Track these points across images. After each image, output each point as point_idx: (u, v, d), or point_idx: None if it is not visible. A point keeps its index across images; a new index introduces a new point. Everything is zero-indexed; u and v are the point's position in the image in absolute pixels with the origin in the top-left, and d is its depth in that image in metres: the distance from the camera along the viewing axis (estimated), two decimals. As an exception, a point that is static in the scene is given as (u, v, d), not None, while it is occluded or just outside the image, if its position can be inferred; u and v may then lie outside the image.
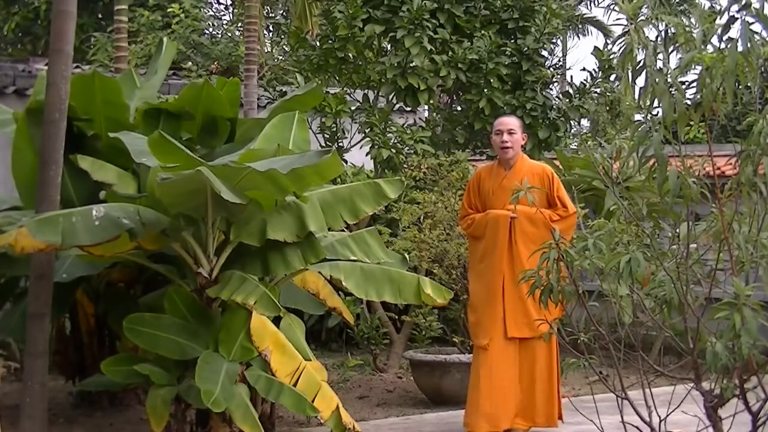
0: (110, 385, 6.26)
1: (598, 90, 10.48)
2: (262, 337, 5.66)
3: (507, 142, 5.82)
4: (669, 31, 3.49)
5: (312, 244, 5.93)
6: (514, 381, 5.74)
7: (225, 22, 17.10)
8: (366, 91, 10.12)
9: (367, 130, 9.45)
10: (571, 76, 19.06)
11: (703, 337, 3.37)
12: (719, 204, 3.44)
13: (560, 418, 5.86)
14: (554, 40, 11.12)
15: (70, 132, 5.97)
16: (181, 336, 5.69)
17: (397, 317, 8.96)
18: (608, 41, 23.89)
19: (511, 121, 5.97)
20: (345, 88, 10.02)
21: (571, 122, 10.78)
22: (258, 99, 10.20)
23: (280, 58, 14.37)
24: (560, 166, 10.12)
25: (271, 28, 16.99)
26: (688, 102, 3.39)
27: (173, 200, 5.55)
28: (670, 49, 3.49)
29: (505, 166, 5.90)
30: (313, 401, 5.60)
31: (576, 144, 13.83)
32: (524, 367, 5.76)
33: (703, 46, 3.35)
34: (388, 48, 10.08)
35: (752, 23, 3.23)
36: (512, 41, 10.00)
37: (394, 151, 9.18)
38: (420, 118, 11.59)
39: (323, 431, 5.93)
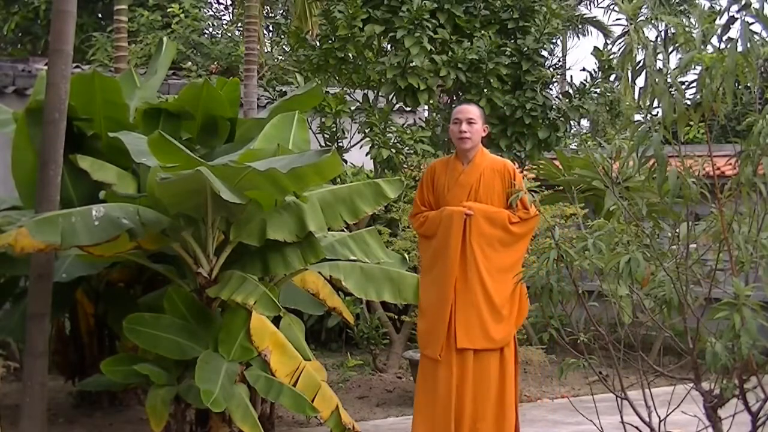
0: (110, 385, 6.26)
1: (597, 90, 10.48)
2: (261, 337, 5.66)
3: (465, 132, 5.17)
4: (669, 31, 3.50)
5: (312, 244, 5.94)
6: (461, 397, 5.05)
7: (225, 22, 17.12)
8: (366, 91, 10.12)
9: (366, 130, 9.45)
10: (571, 77, 19.08)
11: (702, 338, 3.37)
12: (719, 204, 3.44)
13: None
14: (554, 41, 11.08)
15: (69, 132, 5.97)
16: (181, 336, 5.70)
17: (396, 317, 8.97)
18: (608, 41, 23.89)
19: (471, 110, 5.30)
20: (345, 88, 10.02)
21: (571, 122, 10.76)
22: (258, 99, 10.21)
23: (280, 58, 14.37)
24: (560, 166, 10.14)
25: (270, 28, 17.00)
26: (688, 102, 3.39)
27: (173, 200, 5.56)
28: (669, 50, 3.49)
29: (463, 160, 5.25)
30: (312, 401, 5.61)
31: (576, 144, 13.84)
32: (476, 382, 5.07)
33: (702, 47, 3.35)
34: (388, 48, 10.08)
35: (752, 23, 3.23)
36: (512, 41, 9.99)
37: (393, 151, 9.18)
38: (420, 118, 11.59)
39: (323, 431, 5.94)
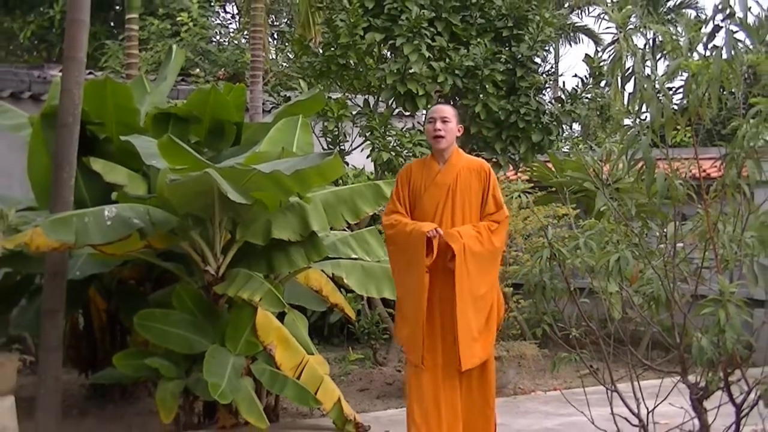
0: (121, 378, 6.26)
1: (588, 95, 10.48)
2: (266, 332, 5.67)
3: (440, 130, 4.91)
4: (657, 39, 3.50)
5: (315, 243, 5.94)
6: (449, 407, 4.79)
7: (231, 30, 17.10)
8: (366, 96, 10.12)
9: (367, 134, 9.45)
10: (563, 82, 19.05)
11: (689, 333, 3.37)
12: (705, 205, 3.44)
13: None
14: (547, 48, 11.11)
15: (83, 135, 5.97)
16: (189, 331, 5.70)
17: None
18: (598, 49, 23.90)
19: (445, 109, 5.06)
20: (346, 94, 10.02)
21: (563, 126, 10.77)
22: (263, 104, 10.20)
23: (284, 64, 14.37)
24: (553, 169, 10.14)
25: (275, 36, 16.99)
26: (675, 107, 3.40)
27: (182, 201, 5.56)
28: (657, 57, 3.49)
29: (439, 160, 4.98)
30: (315, 393, 5.62)
31: (568, 147, 13.83)
32: (463, 393, 4.80)
33: (689, 54, 3.35)
34: (388, 55, 10.08)
35: (736, 32, 3.23)
36: (507, 49, 9.99)
37: (393, 153, 9.18)
38: (418, 122, 11.57)
39: (325, 422, 5.94)
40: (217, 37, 15.83)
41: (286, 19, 16.85)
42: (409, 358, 4.85)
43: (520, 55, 9.89)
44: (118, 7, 14.57)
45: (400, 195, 4.99)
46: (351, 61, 9.68)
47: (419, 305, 4.71)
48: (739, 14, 3.22)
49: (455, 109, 5.13)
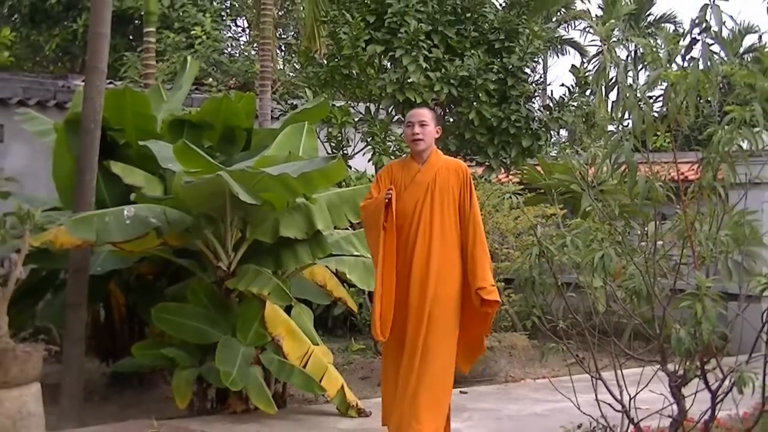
0: (139, 367, 6.26)
1: (575, 104, 10.50)
2: (274, 324, 5.66)
3: (418, 134, 4.76)
4: (638, 51, 3.50)
5: (319, 241, 5.94)
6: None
7: (242, 42, 17.10)
8: (368, 104, 10.12)
9: (368, 139, 9.46)
10: (551, 91, 19.05)
11: (668, 324, 3.37)
12: (683, 205, 3.44)
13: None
14: (536, 59, 11.10)
15: (103, 141, 5.98)
16: (203, 323, 5.70)
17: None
18: (584, 60, 23.90)
19: (423, 113, 4.89)
20: (349, 102, 10.02)
21: (551, 132, 10.79)
22: (271, 111, 10.18)
23: (291, 74, 14.37)
24: (542, 171, 10.13)
25: (283, 48, 16.98)
26: (655, 114, 3.40)
27: (195, 201, 5.56)
28: (639, 68, 3.49)
29: (418, 160, 4.82)
30: (320, 381, 5.62)
31: (556, 152, 13.81)
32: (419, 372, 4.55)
33: (668, 65, 3.36)
34: (388, 66, 10.08)
35: (712, 44, 3.24)
36: (499, 60, 9.99)
37: (393, 157, 9.18)
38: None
39: (330, 408, 5.93)
40: (229, 49, 15.83)
41: (293, 32, 16.83)
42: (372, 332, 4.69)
43: (511, 66, 9.90)
44: (136, 21, 14.55)
45: (379, 188, 4.84)
46: (353, 72, 9.69)
47: (378, 271, 4.62)
48: (715, 28, 3.23)
49: (433, 112, 4.99)
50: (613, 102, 3.51)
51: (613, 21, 3.54)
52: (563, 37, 24.19)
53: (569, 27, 24.59)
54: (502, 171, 10.46)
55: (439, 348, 4.53)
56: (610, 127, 3.69)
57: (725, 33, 3.24)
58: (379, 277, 4.64)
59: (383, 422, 4.68)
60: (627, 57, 3.49)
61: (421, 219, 4.66)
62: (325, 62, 10.11)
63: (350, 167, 9.83)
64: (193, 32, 13.68)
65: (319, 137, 8.27)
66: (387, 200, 4.66)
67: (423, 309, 4.57)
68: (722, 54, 3.27)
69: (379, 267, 4.64)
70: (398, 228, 4.72)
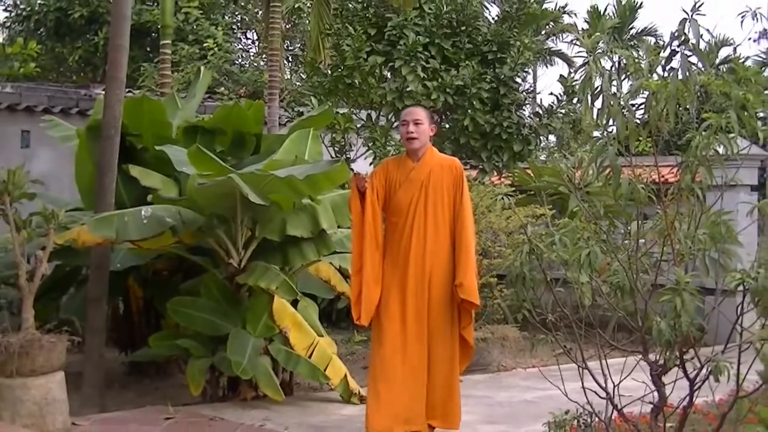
0: (156, 357, 6.27)
1: (563, 111, 10.49)
2: (282, 317, 5.67)
3: (413, 132, 4.61)
4: (621, 62, 3.50)
5: (324, 239, 5.94)
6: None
7: (252, 54, 17.08)
8: (369, 111, 10.12)
9: (370, 144, 9.46)
10: (541, 99, 19.04)
11: (650, 317, 3.37)
12: (663, 206, 3.44)
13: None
14: (526, 69, 11.10)
15: (122, 146, 5.98)
16: (215, 316, 5.70)
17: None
18: (571, 70, 23.82)
19: (417, 111, 4.75)
20: (352, 109, 10.02)
21: (541, 137, 10.79)
22: (279, 118, 10.17)
23: (298, 84, 14.35)
24: (532, 174, 10.13)
25: (290, 59, 16.96)
26: (638, 121, 3.40)
27: (208, 202, 5.56)
28: (622, 77, 3.49)
29: (413, 158, 4.67)
30: (325, 370, 5.62)
31: (545, 156, 13.81)
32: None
33: (649, 75, 3.36)
34: (388, 75, 10.08)
35: (690, 56, 3.24)
36: (491, 70, 9.99)
37: (393, 161, 9.19)
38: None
39: (333, 395, 5.94)
40: (239, 60, 15.82)
41: (299, 44, 16.80)
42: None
43: (503, 76, 9.90)
44: (153, 34, 14.55)
45: (373, 183, 4.67)
46: (356, 81, 9.69)
47: (355, 252, 4.56)
48: (693, 41, 3.23)
49: (428, 111, 4.85)
50: (598, 109, 3.51)
51: (598, 34, 3.54)
52: (552, 49, 24.15)
53: (557, 39, 24.56)
54: (495, 174, 10.46)
55: (442, 351, 4.52)
56: (596, 133, 3.69)
57: (702, 45, 3.25)
58: (356, 257, 4.54)
59: (373, 422, 4.52)
60: (611, 67, 3.49)
61: (415, 216, 4.55)
62: (330, 72, 10.11)
63: (352, 170, 9.81)
64: (206, 44, 13.67)
65: (323, 142, 8.29)
66: (362, 188, 4.56)
67: (422, 305, 4.52)
68: (700, 65, 3.27)
69: (356, 249, 4.55)
70: (393, 224, 4.63)
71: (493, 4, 14.61)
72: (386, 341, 4.63)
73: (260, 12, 14.12)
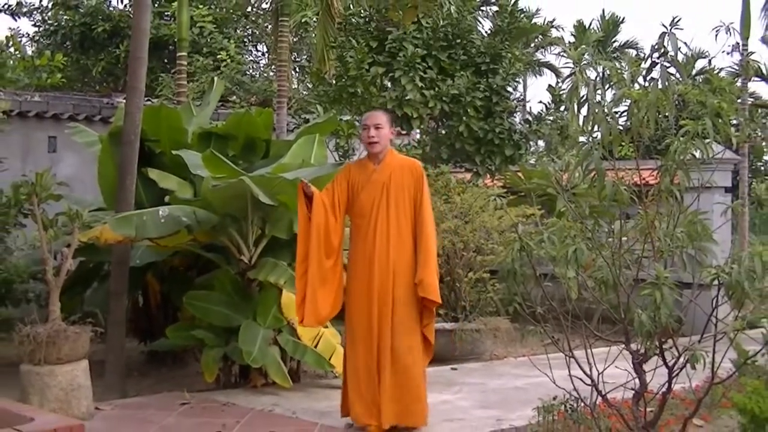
0: (173, 346, 6.27)
1: (551, 118, 10.52)
2: (290, 310, 5.66)
3: (374, 137, 4.43)
4: (605, 72, 3.51)
5: (329, 237, 5.92)
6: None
7: (262, 65, 17.10)
8: (371, 118, 10.11)
9: (371, 149, 9.45)
10: (530, 107, 19.07)
11: (631, 310, 3.37)
12: (644, 206, 3.45)
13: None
14: (517, 79, 11.11)
15: (142, 150, 5.98)
16: (228, 308, 5.70)
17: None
18: (559, 80, 23.87)
19: (378, 116, 4.55)
20: (355, 116, 10.02)
21: (531, 143, 10.80)
22: (287, 125, 10.18)
23: (304, 93, 14.35)
24: (522, 177, 10.13)
25: (297, 70, 16.97)
26: (621, 127, 3.40)
27: (221, 203, 5.56)
28: (606, 87, 3.49)
29: (374, 161, 4.50)
30: (330, 359, 5.61)
31: (534, 159, 13.81)
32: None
33: (631, 85, 3.36)
34: (388, 85, 10.09)
35: (669, 67, 3.24)
36: (485, 80, 10.00)
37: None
38: (413, 140, 11.59)
39: (338, 383, 5.93)
40: (250, 71, 15.82)
41: (306, 56, 16.81)
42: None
43: (495, 85, 9.91)
44: (170, 47, 14.56)
45: (333, 187, 4.54)
46: (358, 90, 9.69)
47: (299, 255, 4.45)
48: (671, 53, 3.23)
49: (388, 114, 4.69)
50: (584, 117, 3.51)
51: (583, 47, 3.55)
52: (541, 61, 24.16)
53: (546, 52, 24.57)
54: (488, 176, 10.46)
55: (405, 343, 4.38)
56: (582, 139, 3.69)
57: (680, 57, 3.25)
58: (301, 260, 4.41)
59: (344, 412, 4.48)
60: (596, 78, 3.50)
61: (378, 217, 4.40)
62: (334, 82, 10.11)
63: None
64: (219, 56, 13.67)
65: (328, 147, 8.28)
66: (309, 193, 4.46)
67: (386, 306, 4.37)
68: (678, 75, 3.27)
69: (301, 252, 4.43)
70: (357, 226, 4.50)
71: (486, 19, 14.61)
72: (357, 338, 4.54)
73: (270, 26, 14.10)
